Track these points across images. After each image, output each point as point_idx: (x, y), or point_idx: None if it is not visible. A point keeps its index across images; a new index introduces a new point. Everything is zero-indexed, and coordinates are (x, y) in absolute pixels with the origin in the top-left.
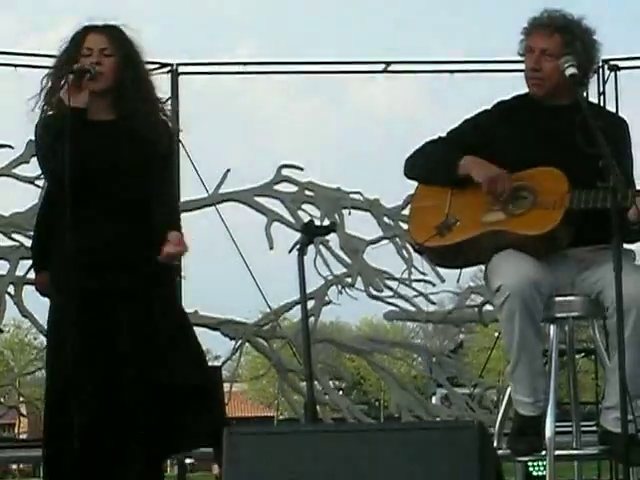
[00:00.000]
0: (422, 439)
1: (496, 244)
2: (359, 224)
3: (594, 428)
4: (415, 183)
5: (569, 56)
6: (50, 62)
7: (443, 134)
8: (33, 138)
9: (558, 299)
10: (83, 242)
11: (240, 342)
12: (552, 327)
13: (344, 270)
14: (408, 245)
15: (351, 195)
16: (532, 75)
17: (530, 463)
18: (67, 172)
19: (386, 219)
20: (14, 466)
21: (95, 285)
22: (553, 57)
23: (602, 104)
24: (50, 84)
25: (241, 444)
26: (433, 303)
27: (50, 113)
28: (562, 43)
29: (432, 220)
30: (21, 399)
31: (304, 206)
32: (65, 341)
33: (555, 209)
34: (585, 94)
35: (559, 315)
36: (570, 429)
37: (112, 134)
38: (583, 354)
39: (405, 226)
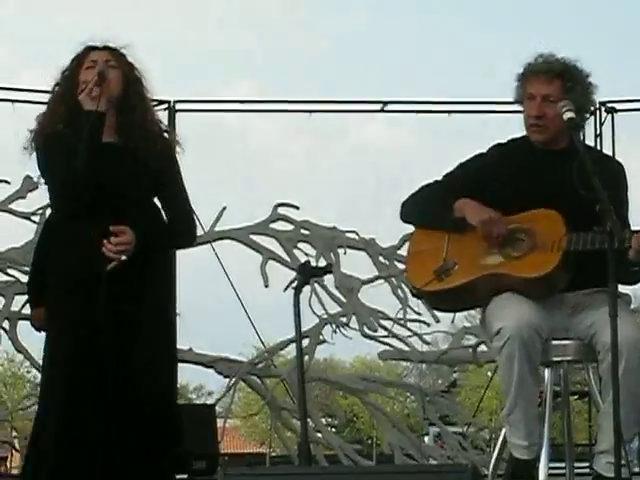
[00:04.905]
0: None
1: (495, 287)
2: (354, 263)
3: (587, 470)
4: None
5: (566, 100)
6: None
7: (439, 177)
8: (31, 153)
9: (554, 343)
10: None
11: (234, 380)
12: (547, 371)
13: (339, 309)
14: (403, 285)
15: (347, 234)
16: (535, 122)
17: None
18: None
19: (381, 258)
20: None
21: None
22: (555, 103)
23: (599, 146)
24: (53, 101)
25: None
26: (427, 343)
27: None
28: (563, 88)
29: (430, 264)
30: (14, 434)
31: (300, 245)
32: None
33: (553, 251)
34: (582, 136)
35: (554, 359)
36: (563, 471)
37: (119, 158)
38: (577, 396)
39: (401, 266)
